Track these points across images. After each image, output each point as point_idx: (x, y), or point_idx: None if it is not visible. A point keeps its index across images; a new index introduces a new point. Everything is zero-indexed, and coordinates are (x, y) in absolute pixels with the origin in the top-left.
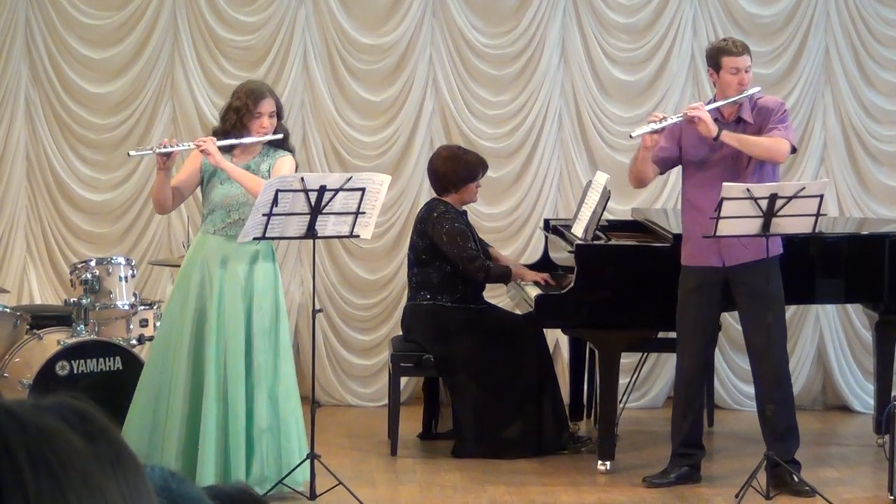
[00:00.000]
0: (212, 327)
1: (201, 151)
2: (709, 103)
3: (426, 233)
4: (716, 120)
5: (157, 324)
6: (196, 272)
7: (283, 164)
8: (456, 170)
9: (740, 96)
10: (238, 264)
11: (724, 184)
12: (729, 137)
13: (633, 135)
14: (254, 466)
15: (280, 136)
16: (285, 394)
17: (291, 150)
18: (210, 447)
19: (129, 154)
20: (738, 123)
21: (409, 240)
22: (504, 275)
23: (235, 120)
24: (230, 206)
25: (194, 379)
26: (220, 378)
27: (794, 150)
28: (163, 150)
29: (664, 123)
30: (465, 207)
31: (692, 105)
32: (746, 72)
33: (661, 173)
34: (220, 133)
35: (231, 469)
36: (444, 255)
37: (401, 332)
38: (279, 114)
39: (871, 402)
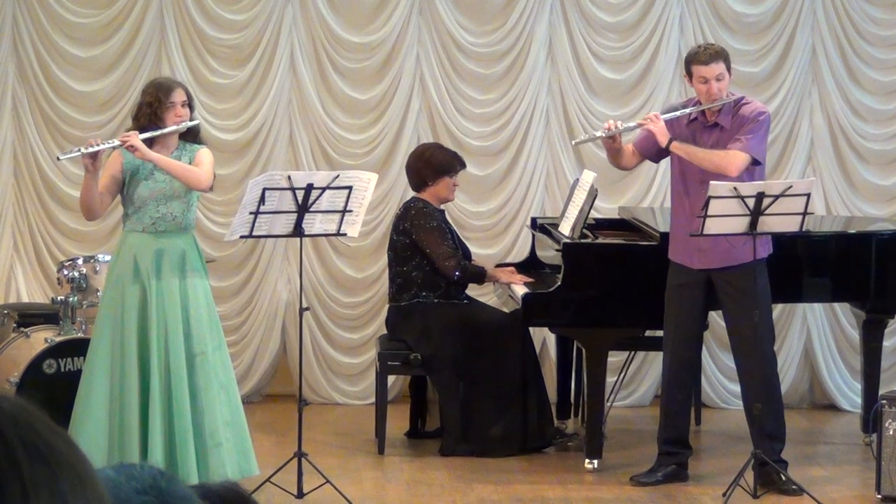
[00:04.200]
0: (153, 333)
1: (127, 147)
2: (667, 112)
3: (405, 230)
4: (694, 120)
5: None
6: (129, 274)
7: (205, 153)
8: (428, 161)
9: (697, 108)
10: (171, 273)
11: (711, 182)
12: (678, 149)
13: (574, 143)
14: (222, 460)
15: (197, 121)
16: (230, 382)
17: (204, 143)
18: (157, 451)
19: (58, 158)
20: (714, 128)
21: None
22: (478, 275)
23: (150, 114)
24: (158, 201)
25: (143, 384)
26: (165, 381)
27: (756, 162)
28: (89, 150)
29: (612, 132)
30: (443, 207)
31: (647, 115)
32: (718, 79)
33: (655, 162)
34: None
35: (179, 471)
36: (423, 252)
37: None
38: (191, 105)
39: (859, 400)
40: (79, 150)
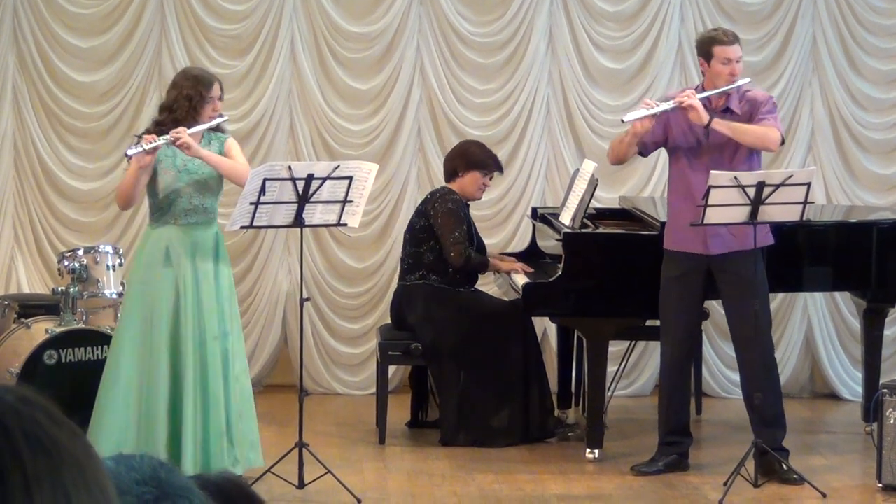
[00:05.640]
0: (188, 330)
1: (179, 145)
2: (698, 91)
3: (425, 212)
4: (704, 107)
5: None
6: (160, 263)
7: (235, 145)
8: (464, 153)
9: (731, 86)
10: (206, 258)
11: (712, 172)
12: (720, 125)
13: (626, 119)
14: (235, 450)
15: (227, 117)
16: (243, 372)
17: (227, 132)
18: (189, 439)
19: (126, 154)
20: (726, 113)
21: (397, 228)
22: (482, 264)
23: (188, 108)
24: (192, 192)
25: (173, 372)
26: (198, 369)
27: (783, 141)
28: (150, 146)
29: (656, 110)
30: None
31: (684, 93)
32: (738, 62)
33: (644, 156)
34: (168, 123)
35: (211, 459)
36: (436, 235)
37: (388, 321)
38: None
39: (860, 389)
40: (141, 148)
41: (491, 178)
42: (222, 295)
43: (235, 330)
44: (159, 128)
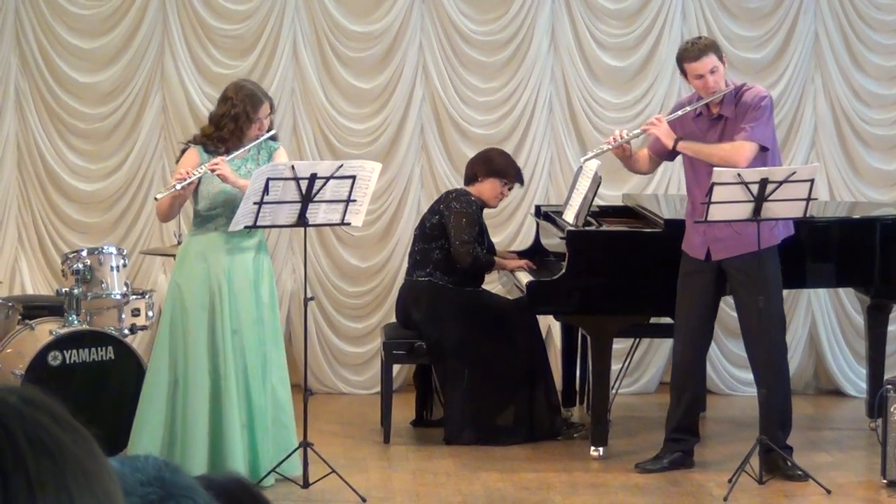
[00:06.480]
0: (226, 324)
1: (218, 175)
2: (672, 112)
3: (439, 211)
4: (700, 115)
5: (151, 315)
6: (198, 261)
7: (281, 155)
8: (486, 160)
9: (707, 100)
10: (244, 256)
11: (715, 169)
12: (685, 148)
13: (582, 160)
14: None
15: (274, 131)
16: (281, 382)
17: (278, 139)
18: (237, 444)
19: (156, 198)
20: (719, 120)
21: (400, 227)
22: (489, 263)
23: (234, 128)
24: (235, 203)
25: (213, 377)
26: (240, 374)
27: (763, 148)
28: (184, 185)
29: (619, 142)
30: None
31: (649, 120)
32: (713, 72)
33: (671, 160)
34: (214, 139)
35: (259, 464)
36: (446, 233)
37: (393, 320)
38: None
39: (864, 385)
40: (174, 187)
41: (510, 189)
42: (262, 300)
43: (274, 338)
44: (205, 139)
